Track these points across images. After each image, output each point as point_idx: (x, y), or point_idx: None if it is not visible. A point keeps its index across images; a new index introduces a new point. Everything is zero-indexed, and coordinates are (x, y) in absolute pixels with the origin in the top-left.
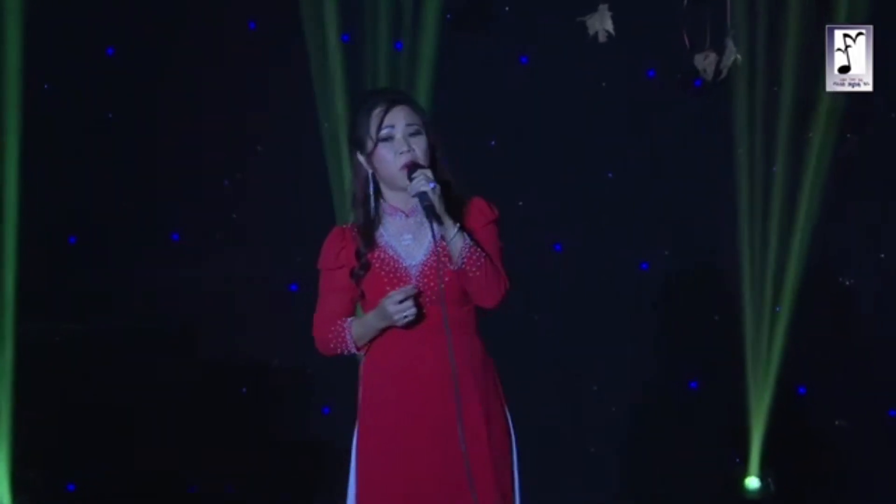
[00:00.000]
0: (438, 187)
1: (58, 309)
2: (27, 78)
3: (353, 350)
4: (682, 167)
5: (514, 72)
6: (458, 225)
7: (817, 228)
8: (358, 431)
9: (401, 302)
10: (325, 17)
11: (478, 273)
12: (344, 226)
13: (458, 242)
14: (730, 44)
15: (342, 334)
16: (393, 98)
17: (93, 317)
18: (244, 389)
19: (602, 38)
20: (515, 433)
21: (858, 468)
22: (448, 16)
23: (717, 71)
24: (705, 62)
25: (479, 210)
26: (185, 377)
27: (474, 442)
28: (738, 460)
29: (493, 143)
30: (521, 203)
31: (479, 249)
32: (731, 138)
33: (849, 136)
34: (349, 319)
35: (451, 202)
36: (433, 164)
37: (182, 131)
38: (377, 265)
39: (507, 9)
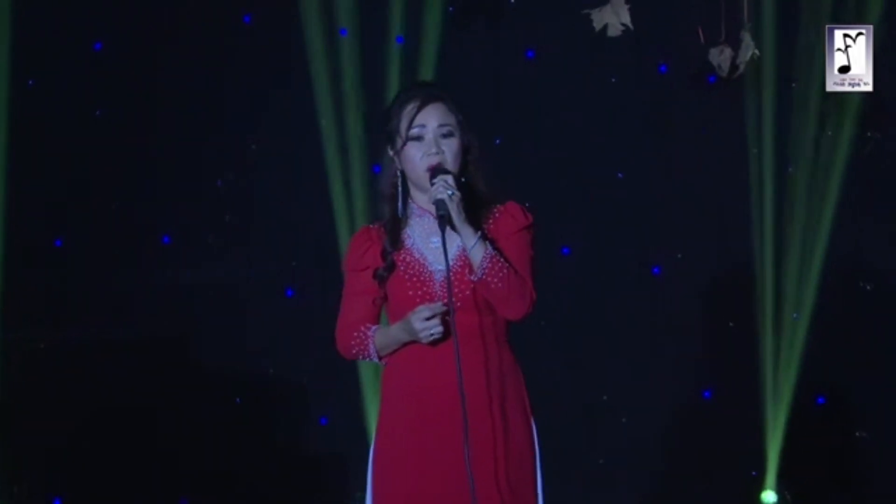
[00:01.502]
0: (458, 195)
1: (43, 315)
2: (11, 73)
3: (376, 359)
4: (695, 167)
5: (520, 67)
6: (479, 233)
7: (836, 231)
8: (375, 440)
9: (428, 319)
10: (323, 11)
11: (499, 284)
12: (371, 225)
13: (478, 252)
14: (746, 38)
15: (365, 342)
16: (429, 94)
17: (79, 323)
18: (238, 400)
19: (614, 31)
20: (541, 446)
21: (880, 481)
22: (451, 8)
23: (733, 66)
24: (720, 57)
25: (511, 215)
26: (177, 387)
27: (489, 456)
28: (754, 473)
29: (497, 141)
30: (526, 204)
31: (500, 259)
32: (746, 137)
33: (869, 134)
34: (373, 327)
35: (477, 208)
36: (464, 167)
37: (173, 129)
38: (402, 268)
39: (512, 1)
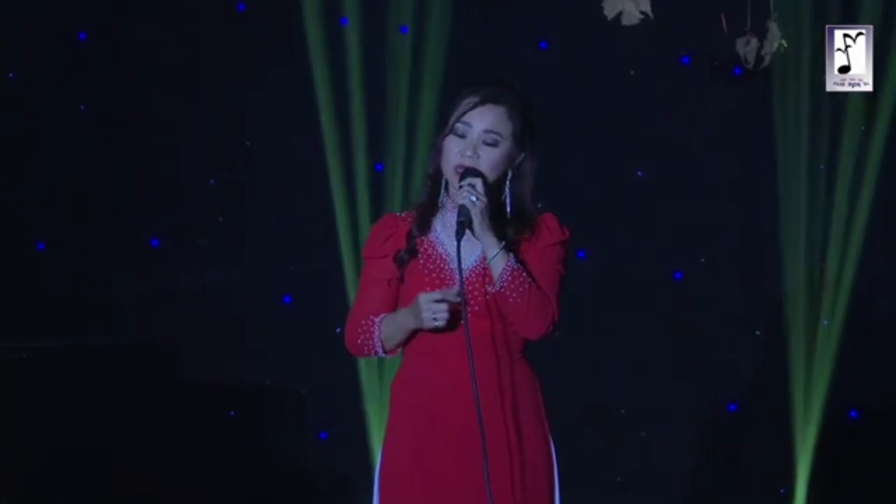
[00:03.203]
0: (484, 201)
1: (24, 322)
2: None
3: (381, 351)
4: (719, 165)
5: (533, 58)
6: (502, 243)
7: (870, 233)
8: (382, 456)
9: (436, 302)
10: None
11: (518, 300)
12: (398, 213)
13: (498, 263)
14: (773, 27)
15: (370, 331)
16: (491, 95)
17: (62, 332)
18: (233, 413)
19: (630, 19)
20: (559, 465)
21: None
22: None
23: (759, 57)
24: (746, 48)
25: (547, 228)
26: (167, 399)
27: (503, 473)
28: (782, 491)
29: None
30: (539, 205)
31: (522, 273)
32: (773, 133)
33: None
34: (382, 316)
35: (516, 220)
36: (511, 179)
37: (163, 125)
38: (422, 259)
39: None
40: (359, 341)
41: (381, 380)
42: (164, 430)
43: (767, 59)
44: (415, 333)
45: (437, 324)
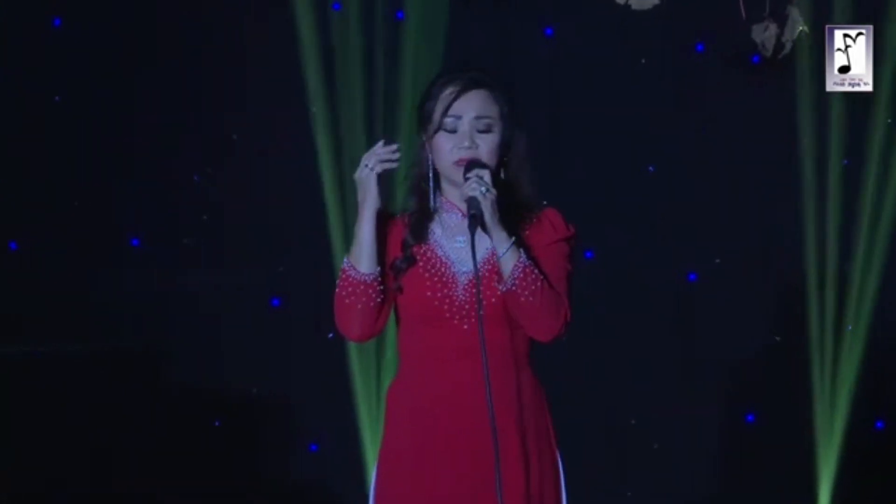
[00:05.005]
0: (494, 193)
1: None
2: None
3: (353, 273)
4: (736, 160)
5: (537, 46)
6: (513, 239)
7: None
8: (380, 455)
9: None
10: None
11: (531, 298)
12: (390, 213)
13: (510, 259)
14: (793, 13)
15: (342, 268)
16: (471, 80)
17: (36, 336)
18: (218, 423)
19: (643, 5)
20: (566, 480)
21: None
22: None
23: (779, 45)
24: (764, 34)
25: (551, 224)
26: (148, 409)
27: (511, 488)
28: None
29: None
30: (545, 202)
31: (535, 270)
32: (794, 125)
33: None
34: None
35: (514, 211)
36: (506, 165)
37: (143, 117)
38: (422, 265)
39: None
40: (343, 294)
41: (376, 389)
42: (146, 441)
43: (788, 46)
44: (414, 336)
45: (361, 174)
